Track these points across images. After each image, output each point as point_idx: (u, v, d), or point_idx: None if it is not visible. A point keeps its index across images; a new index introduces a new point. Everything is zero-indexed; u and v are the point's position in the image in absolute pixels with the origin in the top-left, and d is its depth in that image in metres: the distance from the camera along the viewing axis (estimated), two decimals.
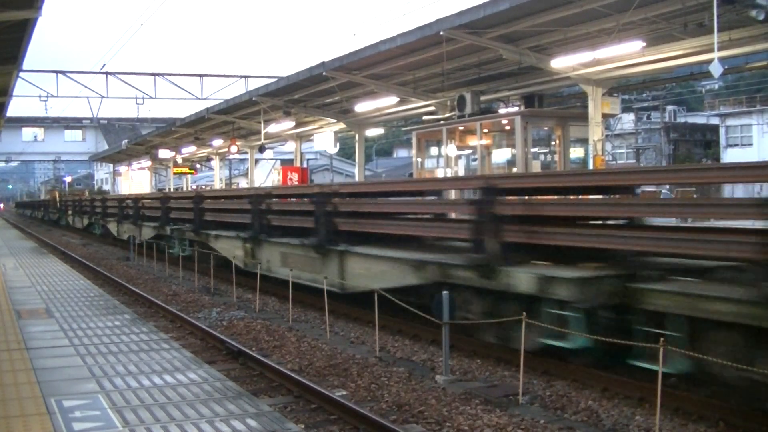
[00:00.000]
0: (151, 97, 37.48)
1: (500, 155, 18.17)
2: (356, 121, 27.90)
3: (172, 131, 39.84)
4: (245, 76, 37.98)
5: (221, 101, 32.33)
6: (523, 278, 8.40)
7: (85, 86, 36.63)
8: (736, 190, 40.01)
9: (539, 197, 10.44)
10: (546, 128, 17.50)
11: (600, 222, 9.06)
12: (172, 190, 52.61)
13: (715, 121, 56.58)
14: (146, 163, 54.59)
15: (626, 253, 8.39)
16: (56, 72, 35.43)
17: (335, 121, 28.65)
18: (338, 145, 30.91)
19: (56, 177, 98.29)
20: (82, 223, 39.87)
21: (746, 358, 6.23)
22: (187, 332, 11.58)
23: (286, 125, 29.26)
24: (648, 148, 57.56)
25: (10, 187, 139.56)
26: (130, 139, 53.10)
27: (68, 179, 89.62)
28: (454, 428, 6.70)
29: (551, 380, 8.42)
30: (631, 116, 56.49)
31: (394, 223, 12.31)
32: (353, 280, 11.95)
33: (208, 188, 46.90)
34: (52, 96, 35.86)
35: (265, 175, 56.62)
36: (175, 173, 51.70)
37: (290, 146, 38.24)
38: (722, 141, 54.17)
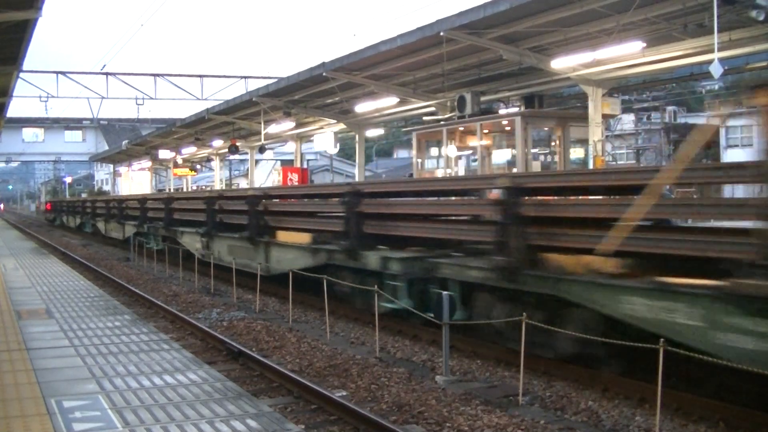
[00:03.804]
0: (152, 98, 37.53)
1: (500, 156, 18.16)
2: (356, 121, 27.90)
3: (172, 132, 39.84)
4: (245, 77, 38.02)
5: (221, 102, 32.33)
6: None
7: (86, 87, 36.68)
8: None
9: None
10: (546, 129, 17.49)
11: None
12: (172, 190, 52.63)
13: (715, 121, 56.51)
14: (146, 163, 54.62)
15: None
16: (56, 72, 35.48)
17: (335, 121, 28.66)
18: (338, 145, 30.91)
19: (56, 177, 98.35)
20: None
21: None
22: (188, 333, 11.57)
23: (286, 126, 29.27)
24: (648, 149, 57.56)
25: (11, 187, 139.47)
26: (130, 140, 53.08)
27: (68, 179, 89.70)
28: (454, 429, 6.70)
29: (551, 381, 8.42)
30: (632, 117, 56.44)
31: None
32: None
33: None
34: (53, 96, 35.93)
35: (266, 175, 56.62)
36: (175, 174, 51.75)
37: (290, 147, 38.25)
38: (722, 141, 54.17)
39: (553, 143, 17.50)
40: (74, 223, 44.11)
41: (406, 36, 17.24)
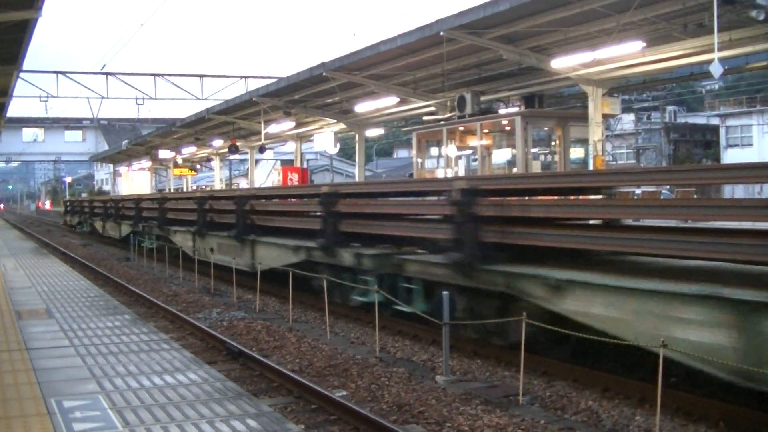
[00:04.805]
0: (152, 98, 37.51)
1: (500, 156, 18.17)
2: (356, 121, 27.91)
3: (172, 132, 39.84)
4: (245, 77, 38.02)
5: (221, 102, 32.33)
6: None
7: (86, 87, 36.68)
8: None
9: None
10: (546, 128, 17.50)
11: None
12: (172, 190, 52.58)
13: (715, 121, 56.61)
14: (146, 163, 54.64)
15: None
16: (56, 72, 35.48)
17: (335, 121, 28.66)
18: (338, 145, 30.92)
19: (56, 177, 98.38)
20: None
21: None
22: (188, 332, 11.57)
23: (286, 126, 29.27)
24: (648, 149, 57.62)
25: (11, 187, 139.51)
26: (130, 140, 53.09)
27: (68, 179, 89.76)
28: (454, 428, 6.69)
29: (551, 380, 8.41)
30: (632, 116, 56.50)
31: None
32: None
33: None
34: (53, 96, 35.89)
35: (266, 175, 56.64)
36: (175, 174, 51.76)
37: (290, 147, 38.24)
38: (722, 141, 54.20)
39: (553, 143, 17.51)
40: (117, 233, 29.37)
41: (406, 36, 17.24)
